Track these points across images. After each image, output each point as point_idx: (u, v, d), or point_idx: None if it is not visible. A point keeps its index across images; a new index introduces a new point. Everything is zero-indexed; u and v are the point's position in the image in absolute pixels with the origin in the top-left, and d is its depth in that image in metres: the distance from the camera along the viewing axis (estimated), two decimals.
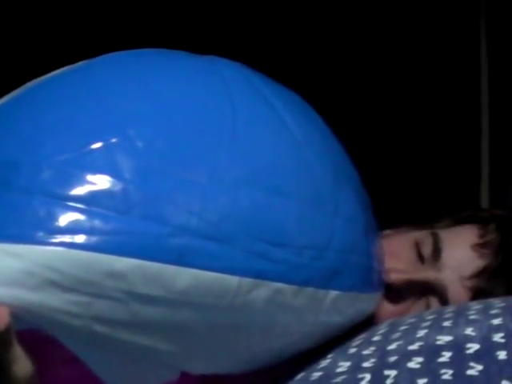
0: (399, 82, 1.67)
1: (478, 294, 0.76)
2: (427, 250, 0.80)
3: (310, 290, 0.60)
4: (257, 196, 0.59)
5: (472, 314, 0.60)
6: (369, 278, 0.69)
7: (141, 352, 0.55)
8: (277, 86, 0.71)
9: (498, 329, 0.55)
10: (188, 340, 0.56)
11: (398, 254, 0.80)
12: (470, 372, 0.50)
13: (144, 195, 0.54)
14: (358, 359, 0.57)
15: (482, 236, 0.81)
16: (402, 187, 1.66)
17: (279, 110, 0.66)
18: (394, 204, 1.60)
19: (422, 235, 0.81)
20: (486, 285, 0.77)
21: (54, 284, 0.51)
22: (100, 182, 0.54)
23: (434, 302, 0.78)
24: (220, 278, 0.55)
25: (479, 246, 0.79)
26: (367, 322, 0.72)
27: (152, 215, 0.54)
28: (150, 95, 0.62)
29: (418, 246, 0.80)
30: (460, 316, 0.60)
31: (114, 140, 0.56)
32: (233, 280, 0.55)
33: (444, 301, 0.77)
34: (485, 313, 0.60)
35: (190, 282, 0.54)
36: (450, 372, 0.50)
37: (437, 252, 0.79)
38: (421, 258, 0.80)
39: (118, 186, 0.54)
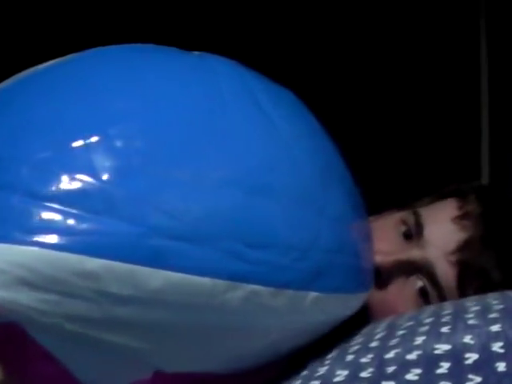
0: (400, 82, 1.67)
1: (465, 267, 0.76)
2: (410, 228, 0.80)
3: (289, 292, 0.59)
4: (239, 196, 0.58)
5: (470, 318, 0.59)
6: (356, 278, 0.68)
7: (114, 350, 0.55)
8: (268, 83, 0.70)
9: (497, 337, 0.54)
10: (162, 339, 0.56)
11: (382, 236, 0.80)
12: None
13: (119, 195, 0.55)
14: (355, 368, 0.56)
15: (461, 208, 0.80)
16: (402, 186, 1.66)
17: (269, 109, 0.65)
18: (394, 204, 1.60)
19: (405, 215, 0.81)
20: (472, 257, 0.76)
21: (25, 282, 0.52)
22: (77, 182, 0.55)
23: (421, 279, 0.77)
24: (194, 279, 0.55)
25: (459, 218, 0.79)
26: (357, 312, 0.71)
27: (126, 215, 0.54)
28: (139, 92, 0.61)
29: (401, 226, 0.80)
30: (458, 320, 0.59)
31: (94, 139, 0.57)
32: (207, 281, 0.55)
33: (433, 279, 0.77)
34: (483, 317, 0.59)
35: (163, 283, 0.54)
36: None
37: (419, 229, 0.79)
38: (405, 236, 0.80)
39: (94, 186, 0.55)
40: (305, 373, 0.61)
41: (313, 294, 0.61)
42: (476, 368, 0.51)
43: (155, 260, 0.54)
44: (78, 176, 0.55)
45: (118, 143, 0.57)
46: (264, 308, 0.59)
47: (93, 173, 0.55)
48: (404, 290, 0.78)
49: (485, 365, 0.51)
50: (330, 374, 0.57)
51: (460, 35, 1.60)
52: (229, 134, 0.61)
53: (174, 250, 0.54)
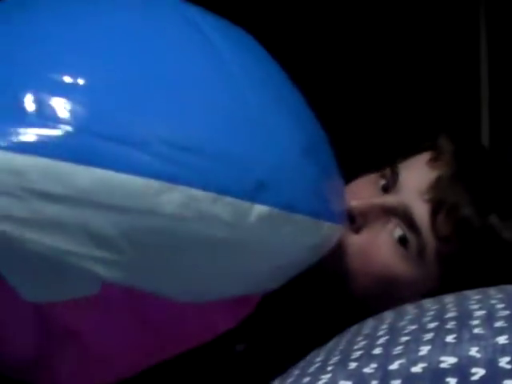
0: (399, 80, 1.67)
1: (437, 204, 0.77)
2: (388, 180, 0.82)
3: (229, 199, 0.59)
4: (176, 103, 0.58)
5: (476, 326, 0.58)
6: (310, 200, 0.67)
7: (45, 252, 0.54)
8: (225, 23, 0.72)
9: (503, 351, 0.53)
10: (97, 242, 0.55)
11: (359, 189, 0.83)
12: None
13: (49, 96, 0.55)
14: (359, 379, 0.55)
15: (435, 154, 0.82)
16: None
17: (214, 39, 0.65)
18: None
19: (385, 171, 0.83)
20: (444, 194, 0.77)
21: None
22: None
23: (400, 227, 0.79)
24: (124, 178, 0.54)
25: (432, 161, 0.80)
26: (335, 257, 0.74)
27: (54, 114, 0.54)
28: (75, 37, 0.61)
29: (380, 180, 0.82)
30: (464, 328, 0.59)
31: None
32: (138, 181, 0.55)
33: (410, 222, 0.78)
34: (489, 325, 0.58)
35: (91, 181, 0.53)
36: None
37: (394, 178, 0.81)
38: (384, 190, 0.82)
39: (23, 93, 0.55)
40: (306, 380, 0.60)
41: (260, 208, 0.61)
42: None
43: (83, 158, 0.53)
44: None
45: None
46: (204, 215, 0.58)
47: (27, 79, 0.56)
48: (381, 236, 0.80)
49: (492, 382, 0.50)
50: (333, 383, 0.56)
51: (460, 33, 1.59)
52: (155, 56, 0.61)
53: (103, 148, 0.54)
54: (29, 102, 0.54)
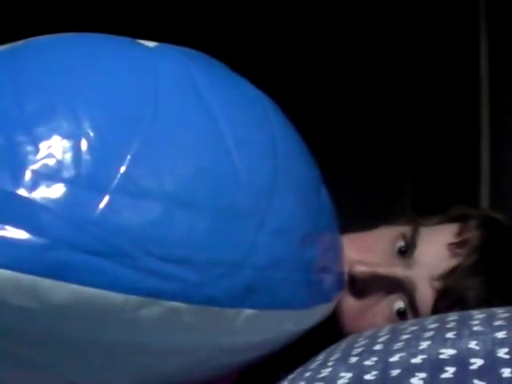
0: (399, 81, 1.67)
1: (444, 295, 0.75)
2: (405, 244, 0.78)
3: (214, 309, 0.57)
4: (157, 209, 0.55)
5: (476, 325, 0.59)
6: (303, 293, 0.64)
7: (20, 361, 0.54)
8: (226, 82, 0.67)
9: (502, 343, 0.54)
10: (71, 353, 0.55)
11: (373, 247, 0.79)
12: None
13: (24, 205, 0.52)
14: (359, 370, 0.56)
15: (459, 235, 0.79)
16: (401, 186, 1.66)
17: (215, 111, 0.61)
18: (394, 204, 1.61)
19: (405, 230, 0.80)
20: (454, 285, 0.75)
21: None
22: None
23: (402, 300, 0.76)
24: (102, 294, 0.53)
25: (455, 246, 0.77)
26: (332, 318, 0.71)
27: (29, 225, 0.52)
28: (64, 90, 0.59)
29: (399, 240, 0.79)
30: (463, 326, 0.59)
31: (1, 143, 0.54)
32: (117, 297, 0.53)
33: (412, 300, 0.76)
34: (489, 324, 0.59)
35: (68, 297, 0.52)
36: None
37: (411, 248, 0.78)
38: (400, 252, 0.78)
39: (2, 195, 0.52)
40: (308, 374, 0.60)
41: (248, 312, 0.59)
42: (481, 373, 0.51)
43: (59, 273, 0.51)
44: None
45: (28, 148, 0.54)
46: (184, 326, 0.56)
47: (2, 181, 0.53)
48: (380, 306, 0.77)
49: (490, 370, 0.51)
50: (334, 375, 0.57)
51: (460, 32, 1.60)
52: (155, 140, 0.57)
53: (80, 263, 0.52)
54: (6, 211, 0.52)
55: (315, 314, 0.67)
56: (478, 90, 1.52)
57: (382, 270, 0.77)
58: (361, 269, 0.76)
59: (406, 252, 0.78)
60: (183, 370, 0.59)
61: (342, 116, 1.63)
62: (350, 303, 0.77)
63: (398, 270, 0.77)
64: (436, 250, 0.77)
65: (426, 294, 0.75)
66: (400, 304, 0.76)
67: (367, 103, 1.67)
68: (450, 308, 0.73)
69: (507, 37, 1.44)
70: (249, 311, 0.59)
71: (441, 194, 1.55)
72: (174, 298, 0.55)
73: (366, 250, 0.78)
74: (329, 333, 0.70)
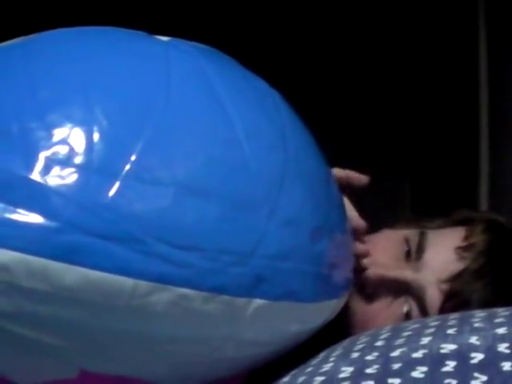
0: (398, 81, 1.68)
1: (450, 297, 0.76)
2: (413, 248, 0.79)
3: (224, 297, 0.57)
4: (169, 195, 0.55)
5: (476, 322, 0.60)
6: (311, 286, 0.64)
7: (30, 345, 0.54)
8: (236, 75, 0.67)
9: (502, 339, 0.54)
10: (80, 338, 0.54)
11: (384, 248, 0.80)
12: (474, 382, 0.50)
13: (37, 188, 0.53)
14: (361, 365, 0.56)
15: (466, 238, 0.80)
16: (401, 187, 1.66)
17: (226, 103, 0.62)
18: (394, 205, 1.61)
19: (412, 233, 0.81)
20: (460, 288, 0.76)
21: None
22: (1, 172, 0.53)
23: (411, 303, 0.77)
24: (113, 278, 0.53)
25: (462, 249, 0.78)
26: (341, 320, 0.71)
27: (41, 208, 0.52)
28: (75, 81, 0.59)
29: (405, 244, 0.80)
30: (464, 323, 0.60)
31: (14, 129, 0.55)
32: (127, 282, 0.53)
33: (421, 303, 0.76)
34: (489, 321, 0.59)
35: (78, 280, 0.52)
36: (455, 382, 0.50)
37: (419, 252, 0.79)
38: (407, 255, 0.79)
39: (12, 179, 0.53)
40: (309, 369, 0.61)
41: (258, 302, 0.59)
42: (481, 367, 0.51)
43: (70, 256, 0.52)
44: (1, 166, 0.54)
45: (41, 134, 0.55)
46: (194, 314, 0.56)
47: (15, 165, 0.54)
48: (390, 309, 0.78)
49: (490, 364, 0.51)
50: (335, 370, 0.58)
51: (459, 32, 1.60)
52: (167, 129, 0.58)
53: (91, 246, 0.52)
54: (20, 194, 0.52)
55: (324, 310, 0.67)
56: (477, 90, 1.52)
57: (392, 273, 0.78)
58: (373, 272, 0.77)
59: (413, 255, 0.79)
60: (192, 360, 0.59)
61: (341, 117, 1.64)
62: (361, 307, 0.78)
63: (407, 274, 0.78)
64: (444, 253, 0.78)
65: (434, 297, 0.76)
66: (409, 307, 0.77)
67: (366, 103, 1.67)
68: (455, 310, 0.73)
69: (506, 38, 1.45)
70: (259, 301, 0.59)
71: (440, 194, 1.56)
72: (183, 284, 0.55)
73: (375, 253, 0.79)
74: (335, 337, 0.70)
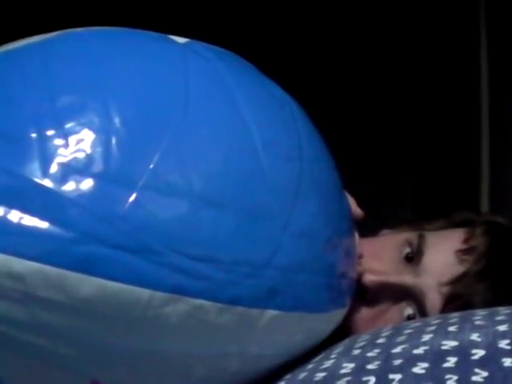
0: (398, 85, 1.68)
1: (451, 300, 0.75)
2: (412, 251, 0.79)
3: (239, 308, 0.57)
4: (184, 207, 0.55)
5: (478, 320, 0.60)
6: (323, 297, 0.65)
7: (42, 355, 0.54)
8: (254, 82, 0.67)
9: (503, 335, 0.55)
10: (94, 349, 0.54)
11: (380, 254, 0.80)
12: (474, 378, 0.50)
13: (54, 197, 0.53)
14: (362, 361, 0.57)
15: (466, 241, 0.79)
16: (401, 188, 1.67)
17: (244, 111, 0.61)
18: (394, 206, 1.61)
19: (411, 236, 0.80)
20: (461, 291, 0.75)
21: None
22: (15, 179, 0.53)
23: (411, 307, 0.77)
24: (128, 289, 0.53)
25: (462, 252, 0.78)
26: (342, 325, 0.70)
27: (59, 219, 0.52)
28: (91, 86, 0.59)
29: (405, 247, 0.79)
30: (466, 321, 0.60)
31: (33, 136, 0.55)
32: (143, 293, 0.53)
33: (421, 307, 0.76)
34: (490, 319, 0.60)
35: (94, 291, 0.52)
36: (455, 378, 0.50)
37: (418, 255, 0.78)
38: (407, 258, 0.79)
39: (29, 187, 0.53)
40: (310, 366, 0.61)
41: (271, 312, 0.59)
42: (482, 363, 0.51)
43: (86, 266, 0.52)
44: (18, 173, 0.53)
45: (58, 142, 0.55)
46: (208, 325, 0.56)
47: (32, 173, 0.53)
48: (390, 313, 0.78)
49: (491, 360, 0.51)
50: (337, 366, 0.58)
51: (460, 32, 1.59)
52: (185, 139, 0.58)
53: (107, 257, 0.52)
54: (36, 203, 0.52)
55: (332, 319, 0.67)
56: (478, 91, 1.53)
57: (392, 279, 0.77)
58: (371, 278, 0.77)
59: (413, 259, 0.79)
60: (202, 373, 0.59)
61: (342, 121, 1.64)
62: (362, 312, 0.78)
63: (406, 278, 0.77)
64: (444, 256, 0.78)
65: (434, 301, 0.76)
66: (410, 310, 0.77)
67: (367, 103, 1.67)
68: (454, 311, 0.72)
69: (507, 39, 1.45)
70: (272, 312, 0.59)
71: (441, 194, 1.56)
72: (199, 295, 0.55)
73: (374, 257, 0.79)
74: (335, 342, 0.70)
